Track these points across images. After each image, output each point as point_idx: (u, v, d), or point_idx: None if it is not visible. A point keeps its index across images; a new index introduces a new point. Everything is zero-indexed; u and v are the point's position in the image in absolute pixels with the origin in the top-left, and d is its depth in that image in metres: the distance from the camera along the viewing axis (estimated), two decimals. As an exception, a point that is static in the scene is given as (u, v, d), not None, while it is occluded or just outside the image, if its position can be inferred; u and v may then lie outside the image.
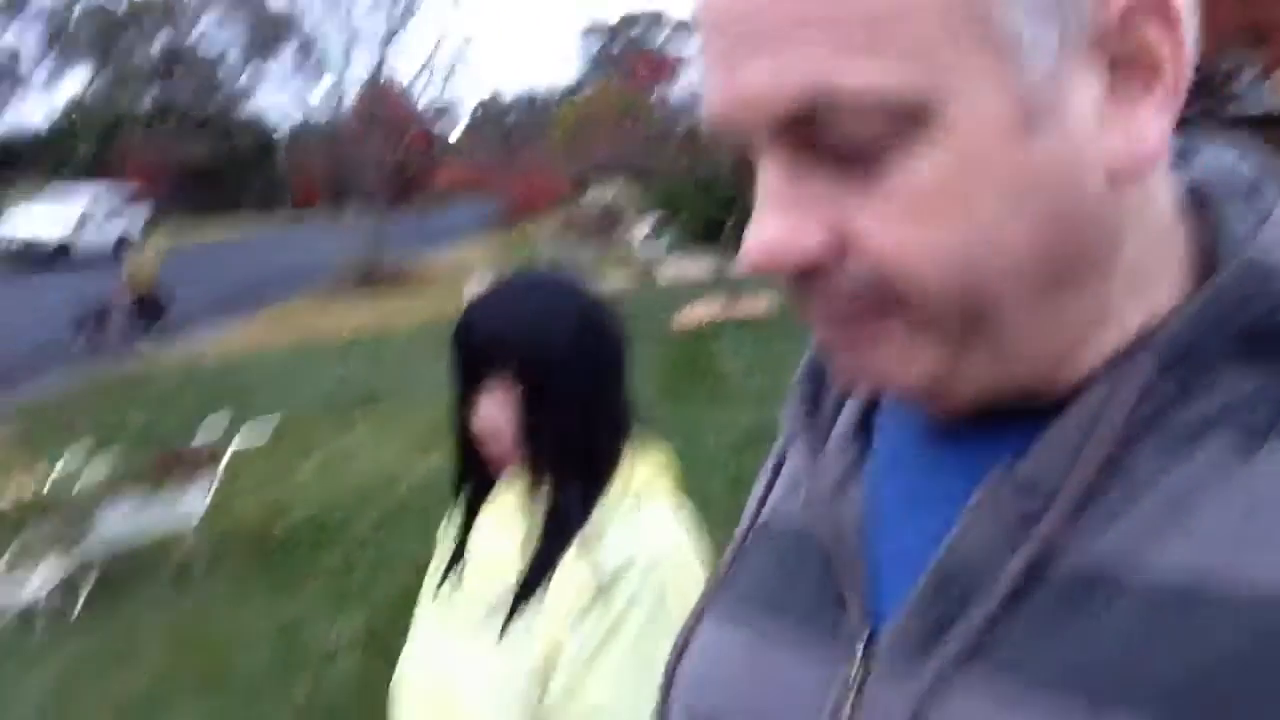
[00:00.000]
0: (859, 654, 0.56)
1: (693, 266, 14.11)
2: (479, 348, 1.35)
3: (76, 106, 46.36)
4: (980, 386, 0.53)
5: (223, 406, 7.16)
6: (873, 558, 0.59)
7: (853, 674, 0.56)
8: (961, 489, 0.55)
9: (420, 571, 1.48)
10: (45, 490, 5.79)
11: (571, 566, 1.28)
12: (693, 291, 13.66)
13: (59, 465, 6.14)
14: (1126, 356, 0.52)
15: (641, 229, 18.55)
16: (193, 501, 5.98)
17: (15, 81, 38.79)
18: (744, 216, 0.53)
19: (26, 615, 5.55)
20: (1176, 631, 0.46)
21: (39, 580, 5.58)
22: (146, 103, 47.34)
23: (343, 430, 9.34)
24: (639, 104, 22.75)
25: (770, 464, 0.74)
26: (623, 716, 1.20)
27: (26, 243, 27.23)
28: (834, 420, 0.68)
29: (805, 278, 0.52)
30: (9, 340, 14.32)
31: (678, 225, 13.67)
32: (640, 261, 17.62)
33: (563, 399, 1.33)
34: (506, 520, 1.37)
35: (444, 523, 1.49)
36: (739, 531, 0.72)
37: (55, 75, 44.32)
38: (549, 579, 1.29)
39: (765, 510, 0.71)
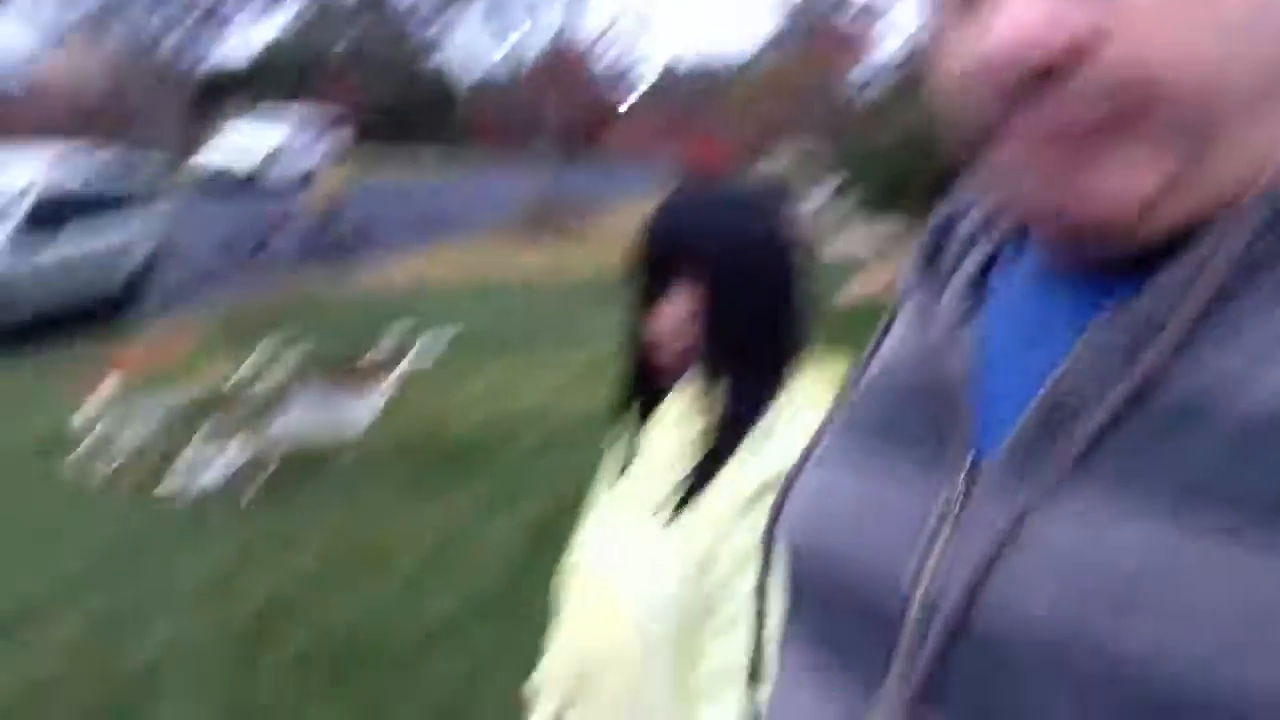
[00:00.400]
0: (961, 480, 0.58)
1: (863, 241, 13.89)
2: (670, 247, 1.34)
3: (275, 46, 48.31)
4: (1179, 212, 0.53)
5: (391, 333, 7.44)
6: (982, 395, 0.60)
7: (954, 498, 0.57)
8: (1072, 331, 0.56)
9: (562, 499, 1.53)
10: (231, 384, 6.12)
11: (734, 469, 1.29)
12: (861, 266, 13.47)
13: (245, 363, 6.48)
14: (1245, 200, 0.53)
15: (814, 200, 18.37)
16: (365, 408, 6.24)
17: (221, 19, 40.66)
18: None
19: (207, 497, 5.92)
20: (1270, 452, 0.46)
21: (220, 465, 5.93)
22: (341, 46, 48.99)
23: (502, 363, 9.60)
24: (818, 78, 22.42)
25: (881, 324, 0.75)
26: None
27: (218, 171, 28.47)
28: (949, 278, 0.69)
29: (1040, 79, 0.51)
30: (183, 261, 14.99)
31: (852, 196, 13.41)
32: (810, 234, 17.41)
33: (749, 303, 1.34)
34: (678, 422, 1.38)
35: (613, 432, 1.50)
36: (848, 383, 0.74)
37: (258, 15, 46.22)
38: (713, 479, 1.29)
39: (875, 362, 0.73)
